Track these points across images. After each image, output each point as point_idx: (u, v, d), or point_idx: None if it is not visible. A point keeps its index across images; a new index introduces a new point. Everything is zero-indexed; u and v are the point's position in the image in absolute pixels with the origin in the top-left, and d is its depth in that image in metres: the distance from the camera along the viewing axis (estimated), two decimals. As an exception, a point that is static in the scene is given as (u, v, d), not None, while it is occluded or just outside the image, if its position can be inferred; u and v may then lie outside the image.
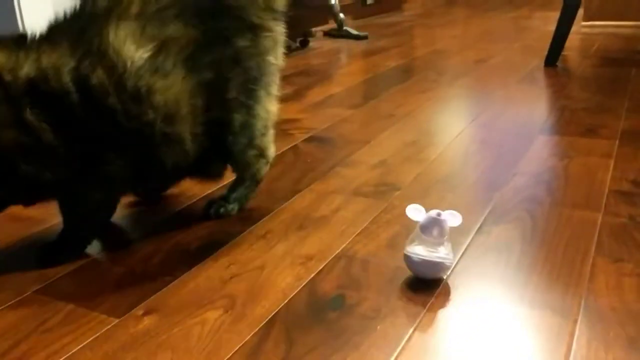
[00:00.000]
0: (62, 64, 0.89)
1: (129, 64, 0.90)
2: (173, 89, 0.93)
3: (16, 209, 1.22)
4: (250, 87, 1.04)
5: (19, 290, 0.93)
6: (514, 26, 3.50)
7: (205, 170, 1.12)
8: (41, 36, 0.92)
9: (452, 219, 0.90)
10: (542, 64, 2.37)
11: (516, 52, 2.71)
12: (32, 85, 0.88)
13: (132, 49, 0.90)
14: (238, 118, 1.05)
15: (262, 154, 1.14)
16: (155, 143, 0.96)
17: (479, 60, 2.48)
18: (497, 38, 3.10)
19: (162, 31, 0.91)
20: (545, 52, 2.36)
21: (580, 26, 3.24)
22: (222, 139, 1.05)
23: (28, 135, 0.89)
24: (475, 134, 1.58)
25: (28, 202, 1.01)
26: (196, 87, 0.96)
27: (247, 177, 1.16)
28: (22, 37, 0.92)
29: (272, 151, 1.17)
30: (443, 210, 0.91)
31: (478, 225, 1.06)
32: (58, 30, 0.93)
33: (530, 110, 1.77)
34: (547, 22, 3.55)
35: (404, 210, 1.13)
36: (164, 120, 0.94)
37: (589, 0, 3.25)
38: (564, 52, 2.50)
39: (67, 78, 0.89)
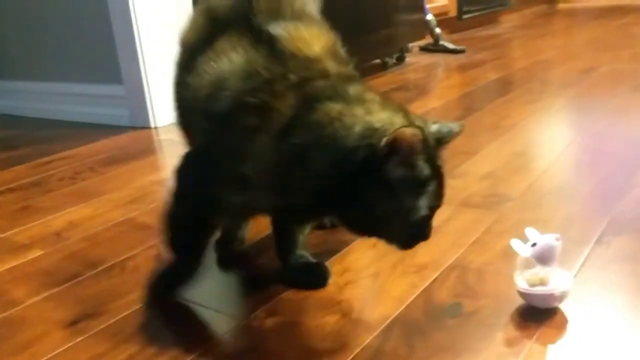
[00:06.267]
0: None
1: None
2: None
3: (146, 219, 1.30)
4: None
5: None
6: (621, 34, 3.34)
7: None
8: None
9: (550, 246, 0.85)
10: (657, 71, 2.25)
11: (626, 60, 2.58)
12: None
13: None
14: None
15: None
16: None
17: (586, 70, 2.39)
18: (603, 47, 2.97)
19: None
20: (660, 59, 2.24)
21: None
22: None
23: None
24: (588, 144, 1.53)
25: None
26: None
27: None
28: None
29: None
30: (553, 232, 0.86)
31: (597, 236, 1.03)
32: None
33: (647, 119, 1.69)
34: (659, 28, 3.36)
35: (518, 221, 1.12)
36: None
37: None
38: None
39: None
